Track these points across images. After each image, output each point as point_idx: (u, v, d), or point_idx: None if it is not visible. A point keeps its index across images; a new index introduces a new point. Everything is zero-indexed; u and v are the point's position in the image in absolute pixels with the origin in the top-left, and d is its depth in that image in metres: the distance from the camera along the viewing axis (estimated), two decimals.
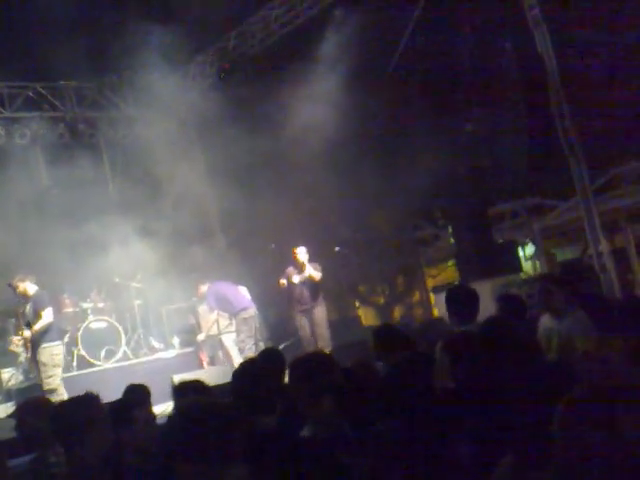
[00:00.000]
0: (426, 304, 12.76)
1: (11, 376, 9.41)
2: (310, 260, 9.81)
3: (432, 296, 12.47)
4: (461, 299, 5.15)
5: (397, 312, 13.17)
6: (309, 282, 9.73)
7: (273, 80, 11.99)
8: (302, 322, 9.82)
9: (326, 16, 11.64)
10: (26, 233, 10.26)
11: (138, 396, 4.22)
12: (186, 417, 2.40)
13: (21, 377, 9.27)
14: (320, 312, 9.83)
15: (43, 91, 11.51)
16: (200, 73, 12.91)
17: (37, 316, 8.40)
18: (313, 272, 9.72)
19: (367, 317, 12.81)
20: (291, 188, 11.50)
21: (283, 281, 9.82)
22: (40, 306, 8.38)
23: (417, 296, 13.13)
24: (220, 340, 9.99)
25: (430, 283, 12.83)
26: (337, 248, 12.31)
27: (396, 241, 12.95)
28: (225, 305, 9.94)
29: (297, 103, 11.15)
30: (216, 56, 12.73)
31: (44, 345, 8.25)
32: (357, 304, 13.08)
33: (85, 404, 3.51)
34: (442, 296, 10.89)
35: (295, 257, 9.73)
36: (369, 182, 11.92)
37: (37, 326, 8.41)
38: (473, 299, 5.10)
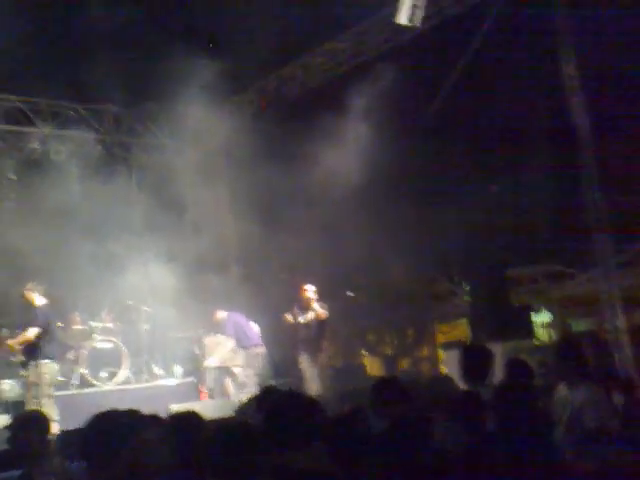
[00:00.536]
0: (434, 360, 12.47)
1: (10, 388, 9.34)
2: (319, 299, 9.65)
3: (441, 352, 12.22)
4: (477, 358, 5.04)
5: (404, 365, 12.90)
6: (315, 322, 9.54)
7: (307, 123, 12.04)
8: (305, 362, 9.61)
9: (367, 66, 11.71)
10: (49, 245, 10.34)
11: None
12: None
13: (20, 390, 9.20)
14: (323, 356, 9.63)
15: (83, 112, 11.65)
16: (237, 109, 12.99)
17: (23, 329, 8.39)
18: (319, 310, 9.53)
19: (373, 366, 12.55)
20: (310, 227, 11.43)
21: (289, 317, 9.67)
22: (32, 321, 8.31)
23: (425, 351, 12.85)
24: (229, 370, 9.87)
25: (440, 339, 12.57)
26: (349, 292, 12.15)
27: (410, 292, 12.74)
28: (241, 336, 9.85)
29: (328, 147, 11.11)
30: (255, 95, 12.82)
31: (32, 362, 8.16)
32: (364, 352, 12.86)
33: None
34: (452, 353, 10.72)
35: (302, 294, 9.56)
36: (389, 230, 11.84)
37: (14, 339, 8.42)
38: (488, 360, 5.00)
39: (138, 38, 10.78)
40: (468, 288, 12.01)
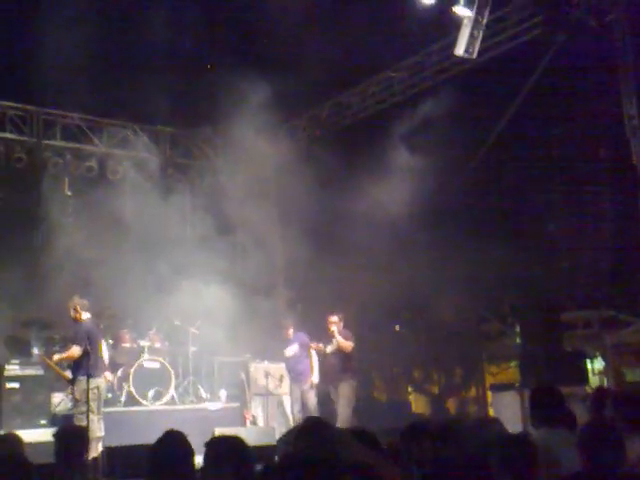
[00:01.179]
0: (482, 401, 12.53)
1: (60, 401, 9.74)
2: (344, 329, 9.94)
3: (489, 394, 12.27)
4: (548, 400, 4.95)
5: (450, 404, 12.97)
6: (339, 353, 9.81)
7: (360, 151, 12.41)
8: (333, 394, 9.94)
9: (421, 97, 12.03)
10: (102, 262, 10.82)
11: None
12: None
13: (69, 404, 9.58)
14: (345, 387, 9.79)
15: (141, 132, 12.22)
16: (291, 135, 13.47)
17: (67, 346, 8.72)
18: (343, 342, 9.77)
19: (418, 404, 12.68)
20: (360, 258, 11.70)
21: (320, 346, 10.00)
22: (73, 338, 8.70)
23: (473, 392, 12.93)
24: (276, 398, 10.28)
25: (488, 380, 12.64)
26: (397, 327, 12.34)
27: (459, 330, 12.87)
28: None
29: (379, 177, 11.48)
30: (309, 122, 13.29)
31: (78, 378, 8.48)
32: (409, 389, 12.97)
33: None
34: (501, 395, 10.82)
35: (327, 324, 9.86)
36: (440, 265, 12.01)
37: (57, 356, 8.83)
38: (560, 401, 4.94)
39: (197, 62, 11.32)
40: (520, 329, 12.07)
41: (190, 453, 3.65)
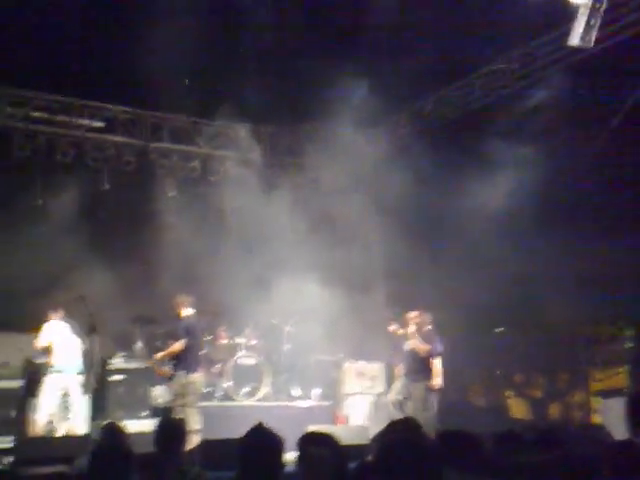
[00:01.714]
0: (586, 407, 12.39)
1: (160, 394, 10.52)
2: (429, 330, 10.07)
3: (594, 400, 12.12)
4: None
5: (553, 410, 12.85)
6: (414, 353, 9.99)
7: (463, 146, 12.43)
8: (401, 387, 10.21)
9: (529, 90, 11.94)
10: (203, 261, 11.52)
11: None
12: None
13: (169, 397, 10.33)
14: (418, 389, 9.96)
15: (242, 133, 12.83)
16: (392, 131, 13.65)
17: (167, 342, 9.42)
18: (418, 345, 9.92)
19: (518, 409, 12.64)
20: (462, 255, 11.79)
21: (397, 330, 10.22)
22: (177, 333, 9.33)
23: (577, 397, 12.76)
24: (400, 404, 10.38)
25: (594, 386, 12.46)
26: (498, 329, 12.34)
27: (566, 333, 12.71)
28: None
29: (483, 172, 11.48)
30: (410, 118, 13.42)
31: (177, 373, 9.16)
32: (508, 393, 12.94)
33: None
34: (611, 402, 10.68)
35: (406, 323, 10.06)
36: (547, 264, 11.89)
37: (161, 353, 9.46)
38: None
39: (296, 60, 11.72)
40: (632, 333, 11.84)
41: (277, 447, 3.82)
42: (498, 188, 11.45)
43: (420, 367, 10.04)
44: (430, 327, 10.32)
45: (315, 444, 3.95)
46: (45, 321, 9.55)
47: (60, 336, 9.41)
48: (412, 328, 10.11)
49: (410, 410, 9.84)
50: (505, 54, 11.97)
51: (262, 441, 3.85)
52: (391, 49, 11.31)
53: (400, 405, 10.21)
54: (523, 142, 11.55)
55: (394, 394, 10.36)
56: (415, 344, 10.01)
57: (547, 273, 11.87)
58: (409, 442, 3.07)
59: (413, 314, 10.17)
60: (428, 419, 9.43)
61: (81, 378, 8.93)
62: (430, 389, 10.05)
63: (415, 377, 10.05)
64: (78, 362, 8.85)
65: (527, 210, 11.89)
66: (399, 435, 3.31)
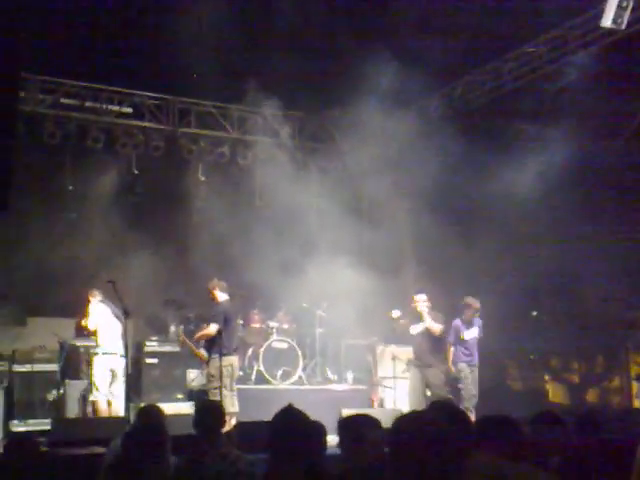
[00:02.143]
0: (626, 392, 12.15)
1: (195, 377, 10.49)
2: (434, 309, 9.73)
3: (635, 385, 11.89)
4: None
5: (591, 395, 12.63)
6: (428, 335, 9.63)
7: (493, 131, 12.25)
8: (415, 376, 9.71)
9: (561, 72, 11.72)
10: (233, 245, 11.46)
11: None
12: None
13: (204, 380, 10.27)
14: (435, 373, 9.62)
15: (270, 118, 12.74)
16: (421, 116, 13.48)
17: (200, 325, 9.34)
18: (432, 324, 9.58)
19: (556, 393, 12.45)
20: (496, 239, 11.60)
21: (399, 318, 9.73)
22: (211, 317, 9.29)
23: (616, 382, 12.53)
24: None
25: (634, 370, 12.21)
26: (534, 313, 12.14)
27: (602, 318, 12.47)
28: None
29: (514, 157, 11.37)
30: (440, 101, 13.25)
31: (212, 356, 9.09)
32: (546, 378, 12.73)
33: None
34: None
35: (414, 305, 9.66)
36: (584, 247, 11.68)
37: (197, 334, 9.40)
38: None
39: (325, 44, 11.57)
40: None
41: (305, 429, 3.78)
42: (529, 172, 11.30)
43: (436, 348, 9.74)
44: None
45: (370, 427, 3.87)
46: (87, 303, 9.57)
47: (104, 318, 9.43)
48: (423, 308, 9.65)
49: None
50: (536, 37, 11.74)
51: (291, 423, 3.80)
52: (421, 32, 11.15)
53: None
54: (555, 125, 11.37)
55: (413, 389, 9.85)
56: (430, 326, 9.61)
57: (583, 257, 11.69)
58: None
59: (422, 295, 9.75)
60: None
61: (124, 360, 8.88)
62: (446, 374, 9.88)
63: (431, 361, 9.69)
64: (121, 344, 8.77)
65: (560, 194, 11.74)
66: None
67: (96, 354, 9.35)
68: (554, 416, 4.76)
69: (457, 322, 10.41)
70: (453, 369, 10.10)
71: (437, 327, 9.64)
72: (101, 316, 9.46)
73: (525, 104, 12.03)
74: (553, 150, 11.42)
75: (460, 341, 10.30)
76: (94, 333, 9.48)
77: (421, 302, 9.68)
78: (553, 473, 3.62)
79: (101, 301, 9.49)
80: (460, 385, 9.97)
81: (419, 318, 9.63)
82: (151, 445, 4.19)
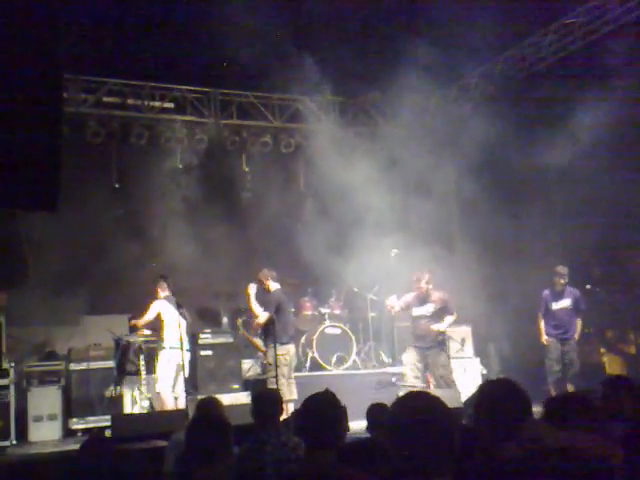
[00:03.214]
0: None
1: (250, 367, 10.28)
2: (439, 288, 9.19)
3: None
4: None
5: None
6: (435, 317, 9.09)
7: (538, 103, 11.80)
8: (412, 358, 9.11)
9: (602, 43, 11.22)
10: (282, 234, 11.20)
11: None
12: None
13: (259, 369, 10.06)
14: (441, 357, 9.10)
15: (310, 104, 12.39)
16: (463, 95, 13.06)
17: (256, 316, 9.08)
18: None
19: (613, 365, 11.94)
20: (544, 210, 11.19)
21: (392, 305, 9.20)
22: (265, 306, 9.07)
23: None
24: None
25: None
26: (588, 286, 11.64)
27: None
28: None
29: (563, 126, 10.93)
30: (482, 79, 12.79)
31: (268, 345, 8.89)
32: (602, 350, 12.25)
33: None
34: None
35: (418, 285, 9.11)
36: (634, 218, 11.23)
37: (253, 325, 9.15)
38: None
39: (361, 29, 11.19)
40: None
41: (335, 413, 3.71)
42: (574, 146, 10.83)
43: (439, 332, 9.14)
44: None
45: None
46: (154, 297, 9.31)
47: (168, 313, 9.13)
48: (424, 286, 9.07)
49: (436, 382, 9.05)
50: (574, 8, 11.19)
51: (317, 408, 3.75)
52: (459, 9, 10.72)
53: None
54: (599, 95, 10.88)
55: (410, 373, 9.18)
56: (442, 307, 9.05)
57: (636, 224, 11.19)
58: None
59: (425, 275, 9.12)
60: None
61: (188, 355, 8.68)
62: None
63: (434, 342, 9.11)
64: (185, 338, 8.55)
65: (606, 166, 11.27)
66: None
67: (162, 348, 9.08)
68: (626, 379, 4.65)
69: (546, 292, 10.04)
70: (545, 341, 9.82)
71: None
72: (165, 311, 9.18)
73: (568, 76, 11.57)
74: (596, 123, 10.99)
75: (550, 313, 9.93)
76: (159, 328, 9.19)
77: (423, 281, 9.09)
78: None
79: (166, 297, 9.21)
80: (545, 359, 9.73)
81: (425, 299, 9.12)
82: (215, 435, 4.02)
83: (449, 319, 9.18)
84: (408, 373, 9.09)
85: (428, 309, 9.15)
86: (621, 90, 10.57)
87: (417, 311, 9.19)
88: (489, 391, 3.26)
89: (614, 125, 10.60)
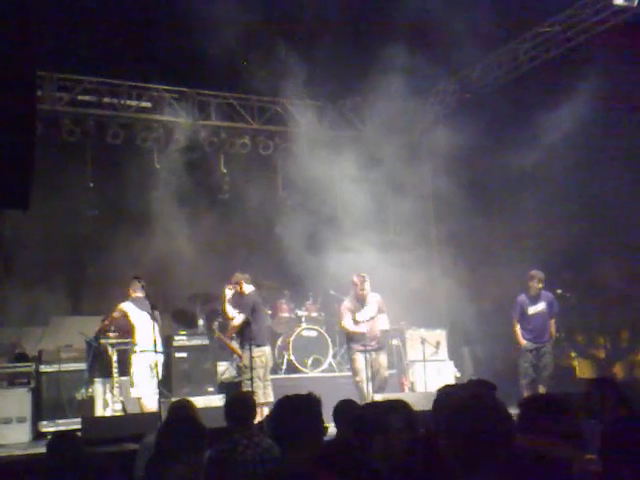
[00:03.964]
0: None
1: (225, 369, 10.00)
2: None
3: None
4: None
5: (618, 369, 12.07)
6: (375, 317, 8.93)
7: (513, 109, 11.76)
8: (359, 363, 8.85)
9: (579, 51, 11.21)
10: (259, 236, 10.96)
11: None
12: None
13: (234, 372, 9.81)
14: (384, 357, 8.99)
15: (290, 108, 12.17)
16: (439, 101, 12.98)
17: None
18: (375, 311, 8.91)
19: (582, 369, 11.92)
20: (514, 215, 11.12)
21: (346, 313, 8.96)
22: (240, 308, 8.85)
23: None
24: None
25: None
26: (559, 290, 11.59)
27: (625, 292, 11.93)
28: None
29: (536, 134, 10.86)
30: (458, 85, 12.72)
31: (244, 347, 8.65)
32: (573, 354, 12.20)
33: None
34: None
35: (360, 289, 8.89)
36: (604, 220, 11.23)
37: (229, 328, 8.96)
38: None
39: (342, 33, 11.05)
40: None
41: (310, 415, 3.63)
42: (547, 152, 10.80)
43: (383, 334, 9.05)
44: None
45: (391, 412, 3.74)
46: (125, 298, 8.97)
47: (136, 314, 8.79)
48: (367, 290, 8.92)
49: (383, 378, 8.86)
50: (549, 17, 11.18)
51: (287, 411, 3.69)
52: (437, 16, 10.64)
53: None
54: (573, 104, 10.88)
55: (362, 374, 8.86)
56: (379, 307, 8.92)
57: (603, 230, 11.19)
58: None
59: (359, 279, 8.92)
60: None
61: (162, 357, 8.42)
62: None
63: (382, 345, 9.02)
64: (159, 340, 8.25)
65: (576, 173, 11.28)
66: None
67: (134, 352, 8.74)
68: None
69: (521, 297, 9.90)
70: (521, 343, 9.76)
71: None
72: (133, 313, 8.82)
73: (543, 84, 11.55)
74: (570, 130, 11.00)
75: (525, 317, 9.81)
76: (130, 330, 8.88)
77: (360, 282, 8.92)
78: None
79: (138, 299, 8.87)
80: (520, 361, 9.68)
81: (363, 302, 8.95)
82: (185, 438, 3.95)
83: (386, 318, 9.14)
84: (363, 379, 8.76)
85: (371, 311, 8.98)
86: (591, 95, 10.62)
87: (362, 315, 8.97)
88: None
89: (585, 129, 10.65)
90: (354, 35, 10.98)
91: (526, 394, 9.40)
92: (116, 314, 8.88)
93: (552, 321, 10.08)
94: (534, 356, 9.79)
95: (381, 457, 3.57)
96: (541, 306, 9.85)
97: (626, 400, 4.42)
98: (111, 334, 9.11)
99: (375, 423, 3.63)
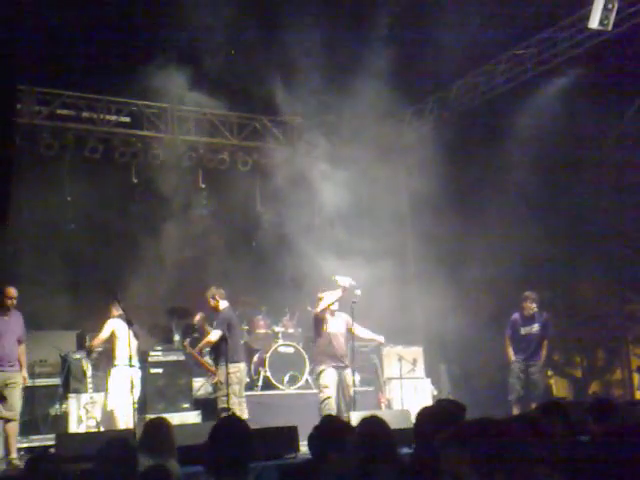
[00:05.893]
0: (628, 384, 11.68)
1: (201, 386, 9.93)
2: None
3: (636, 377, 11.48)
4: None
5: (594, 387, 12.19)
6: (346, 335, 8.72)
7: (489, 129, 11.92)
8: (332, 379, 8.47)
9: (553, 74, 11.40)
10: (236, 252, 10.94)
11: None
12: None
13: (210, 389, 9.74)
14: (350, 375, 8.67)
15: (269, 124, 12.22)
16: (417, 120, 13.11)
17: (204, 334, 8.85)
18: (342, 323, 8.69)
19: (559, 388, 12.03)
20: (491, 234, 11.22)
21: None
22: (214, 325, 8.80)
23: (618, 374, 12.08)
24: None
25: (635, 363, 11.77)
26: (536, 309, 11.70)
27: (601, 311, 12.08)
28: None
29: (509, 154, 11.06)
30: (436, 104, 12.86)
31: (219, 363, 8.60)
32: (549, 373, 12.30)
33: None
34: None
35: (319, 298, 8.71)
36: (578, 244, 11.37)
37: (201, 343, 8.93)
38: None
39: (319, 52, 11.13)
40: None
41: (238, 439, 3.50)
42: (522, 172, 10.96)
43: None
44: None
45: (365, 427, 3.86)
46: (108, 316, 8.92)
47: (121, 330, 8.72)
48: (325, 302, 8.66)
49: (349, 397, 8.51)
50: (526, 39, 11.41)
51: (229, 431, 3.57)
52: (413, 38, 10.78)
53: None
54: (545, 125, 11.08)
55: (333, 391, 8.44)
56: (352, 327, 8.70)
57: (578, 251, 11.46)
58: None
59: (347, 279, 8.67)
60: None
61: (140, 372, 8.34)
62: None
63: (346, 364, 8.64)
64: (135, 356, 8.20)
65: (551, 191, 11.47)
66: None
67: (115, 366, 8.71)
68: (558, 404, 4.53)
69: (516, 316, 9.93)
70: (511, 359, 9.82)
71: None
72: (118, 329, 8.78)
73: (518, 105, 11.72)
74: (545, 147, 11.18)
75: (518, 336, 9.85)
76: (111, 346, 8.84)
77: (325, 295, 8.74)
78: None
79: (119, 315, 8.77)
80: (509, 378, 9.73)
81: (337, 315, 8.72)
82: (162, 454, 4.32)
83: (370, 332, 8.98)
84: (333, 396, 8.37)
85: (341, 327, 8.74)
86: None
87: (333, 327, 8.69)
88: None
89: (557, 144, 10.82)
90: (334, 53, 11.08)
91: (515, 411, 9.45)
92: (106, 334, 8.83)
93: (545, 342, 10.07)
94: (523, 372, 9.82)
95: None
96: (535, 327, 9.90)
97: (572, 425, 4.39)
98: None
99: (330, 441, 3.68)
